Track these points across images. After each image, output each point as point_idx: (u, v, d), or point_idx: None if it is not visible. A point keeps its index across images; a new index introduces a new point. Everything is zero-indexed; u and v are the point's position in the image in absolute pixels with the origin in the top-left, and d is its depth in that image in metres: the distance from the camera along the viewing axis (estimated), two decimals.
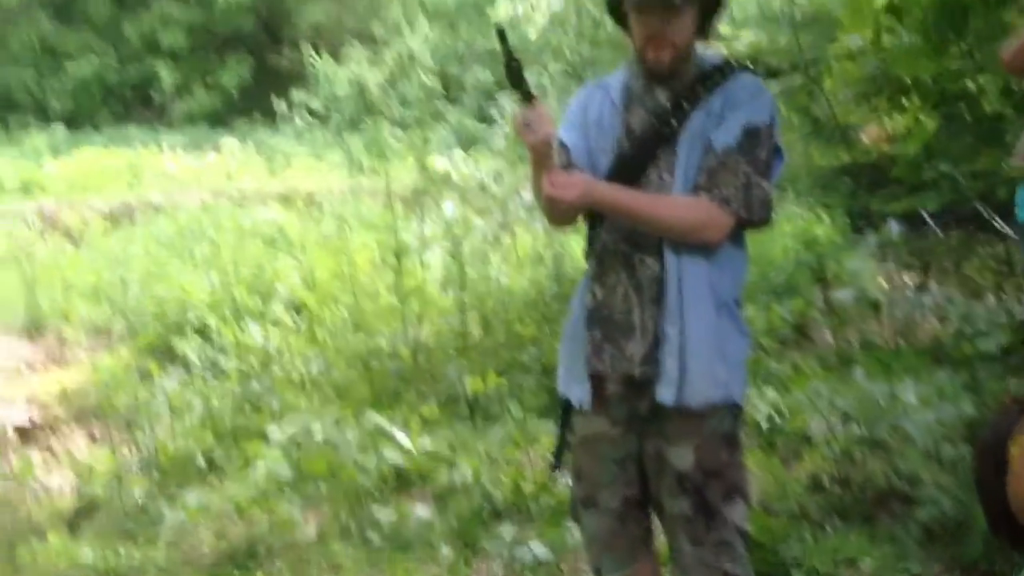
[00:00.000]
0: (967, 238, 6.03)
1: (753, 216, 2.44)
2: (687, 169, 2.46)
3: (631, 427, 2.53)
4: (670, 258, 2.45)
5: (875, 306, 5.86)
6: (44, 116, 22.93)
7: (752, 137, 2.42)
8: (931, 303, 5.88)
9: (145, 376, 5.91)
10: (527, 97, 2.39)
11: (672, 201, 2.46)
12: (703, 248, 2.44)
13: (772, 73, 7.03)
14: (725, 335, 2.46)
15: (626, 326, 2.50)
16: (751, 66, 2.63)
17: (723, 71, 2.50)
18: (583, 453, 2.63)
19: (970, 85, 5.74)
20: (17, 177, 15.25)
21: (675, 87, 2.51)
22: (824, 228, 8.13)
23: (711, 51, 2.62)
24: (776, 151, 2.49)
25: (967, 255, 5.93)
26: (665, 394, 2.43)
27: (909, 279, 6.54)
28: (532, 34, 10.55)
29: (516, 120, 2.40)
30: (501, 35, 2.44)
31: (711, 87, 2.48)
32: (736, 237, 2.49)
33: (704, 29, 2.53)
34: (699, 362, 2.42)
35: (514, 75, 2.41)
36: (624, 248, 2.51)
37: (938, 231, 6.84)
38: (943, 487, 3.55)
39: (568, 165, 2.53)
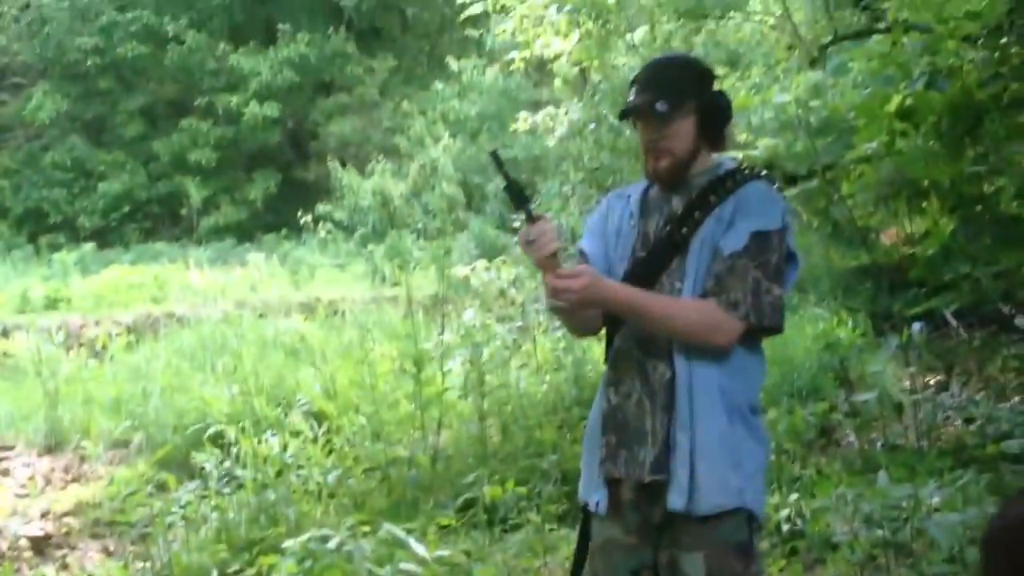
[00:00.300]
0: (990, 338, 5.97)
1: (763, 321, 2.42)
2: (696, 275, 2.47)
3: (645, 537, 2.50)
4: (680, 364, 2.45)
5: (898, 408, 5.78)
6: (74, 235, 23.33)
7: (761, 242, 2.42)
8: (954, 404, 5.80)
9: (161, 488, 5.86)
10: (529, 216, 2.43)
11: (682, 303, 2.46)
12: (715, 354, 2.43)
13: (790, 178, 7.08)
14: (738, 442, 2.43)
15: (639, 432, 2.49)
16: (766, 172, 2.64)
17: (735, 178, 2.51)
18: (599, 560, 2.60)
19: (987, 187, 5.74)
20: (44, 294, 15.43)
21: (688, 194, 2.54)
22: (846, 330, 8.07)
23: (728, 158, 2.63)
24: (790, 257, 2.48)
25: (990, 356, 5.86)
26: (676, 501, 2.41)
27: (932, 380, 6.45)
28: (551, 142, 10.68)
29: (520, 238, 2.45)
30: (496, 159, 2.52)
31: (723, 194, 2.49)
32: (749, 343, 2.48)
33: (711, 136, 2.55)
34: (709, 469, 2.40)
35: (514, 195, 2.49)
36: (637, 354, 2.52)
37: (961, 332, 6.78)
38: None
39: None
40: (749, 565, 2.44)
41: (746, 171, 2.55)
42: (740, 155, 6.53)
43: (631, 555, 2.52)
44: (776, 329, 2.46)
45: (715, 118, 2.54)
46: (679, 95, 2.49)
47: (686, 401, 2.43)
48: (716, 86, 2.58)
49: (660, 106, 2.47)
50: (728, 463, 2.41)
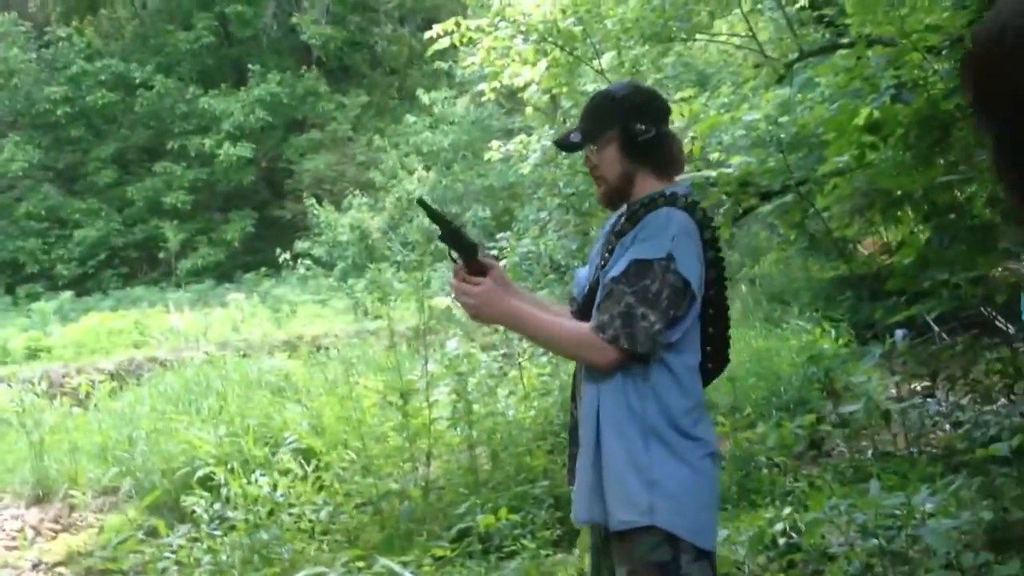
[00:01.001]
0: (973, 342, 6.01)
1: (636, 348, 2.45)
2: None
3: (605, 546, 2.62)
4: (590, 387, 2.57)
5: (886, 416, 5.81)
6: (52, 283, 23.21)
7: (640, 270, 2.46)
8: (941, 410, 5.84)
9: (152, 534, 5.83)
10: (469, 258, 2.58)
11: (565, 325, 2.59)
12: (625, 376, 2.50)
13: (764, 195, 7.13)
14: (653, 462, 2.47)
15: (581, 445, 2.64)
16: (690, 199, 2.62)
17: (649, 205, 2.59)
18: (590, 565, 2.76)
19: (959, 195, 5.80)
20: (24, 345, 15.33)
21: (619, 221, 2.67)
22: (829, 341, 8.13)
23: (677, 186, 2.66)
24: (681, 286, 2.47)
25: (974, 360, 5.89)
26: (574, 513, 2.62)
27: (918, 387, 6.50)
28: (526, 169, 10.73)
29: (454, 288, 2.59)
30: (423, 206, 2.60)
31: (635, 221, 2.58)
32: (657, 365, 2.50)
33: (645, 161, 2.62)
34: (613, 485, 2.49)
35: (454, 239, 2.59)
36: (579, 375, 2.69)
37: (944, 337, 6.82)
38: None
39: (571, 299, 2.76)
40: None
41: (661, 198, 2.58)
42: (714, 174, 6.57)
43: (605, 556, 2.64)
44: (646, 357, 2.47)
45: (639, 144, 2.60)
46: (593, 124, 2.63)
47: (592, 423, 2.54)
48: (677, 109, 2.65)
49: (573, 136, 2.67)
50: (637, 481, 2.46)
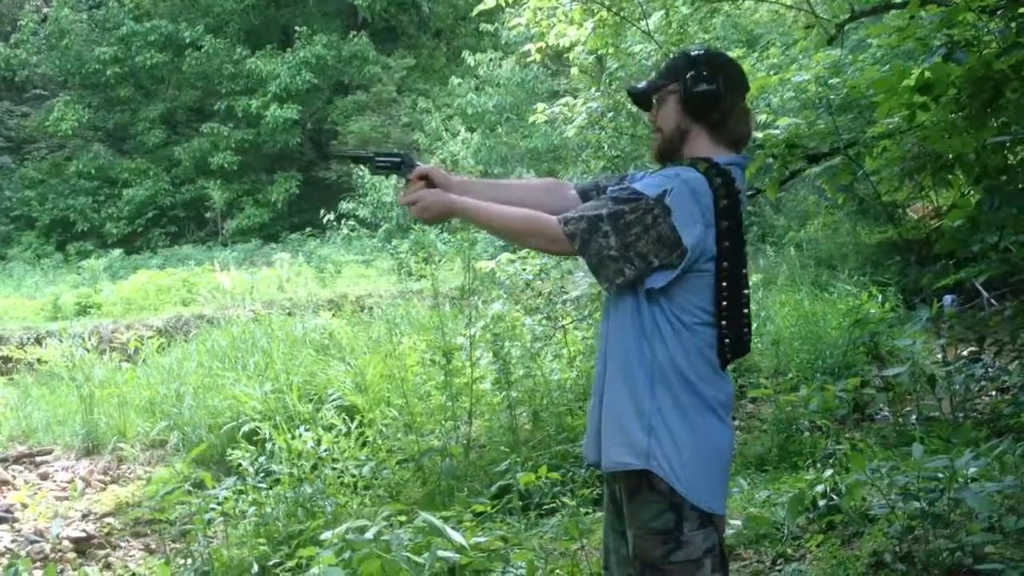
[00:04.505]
0: (1022, 307, 5.91)
1: (584, 255, 2.51)
2: None
3: (619, 504, 2.65)
4: (603, 332, 2.65)
5: (931, 381, 5.75)
6: (102, 242, 23.56)
7: (629, 196, 2.50)
8: (987, 375, 5.77)
9: (199, 486, 5.93)
10: (404, 174, 2.76)
11: (514, 211, 2.66)
12: (634, 320, 2.54)
13: (813, 157, 7.05)
14: (655, 407, 2.50)
15: None
16: (718, 168, 2.59)
17: (677, 162, 2.63)
18: (604, 521, 2.78)
19: (1011, 158, 5.69)
20: (75, 301, 15.57)
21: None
22: (876, 305, 8.05)
23: (730, 156, 2.64)
24: (669, 236, 2.46)
25: (1023, 324, 5.80)
26: (584, 450, 2.72)
27: (965, 352, 6.42)
28: (571, 132, 10.67)
29: (405, 204, 2.73)
30: (338, 156, 2.81)
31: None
32: (667, 315, 2.52)
33: (701, 120, 2.62)
34: (612, 425, 2.55)
35: (382, 166, 2.80)
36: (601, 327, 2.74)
37: (992, 302, 6.73)
38: (1009, 559, 3.43)
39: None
40: (674, 551, 2.49)
41: (699, 160, 2.59)
42: (761, 135, 6.50)
43: (616, 517, 2.69)
44: (593, 269, 2.53)
45: (695, 96, 2.60)
46: (662, 76, 2.68)
47: (600, 366, 2.63)
48: (727, 74, 2.62)
49: (640, 85, 2.74)
50: (637, 424, 2.51)
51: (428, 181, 2.76)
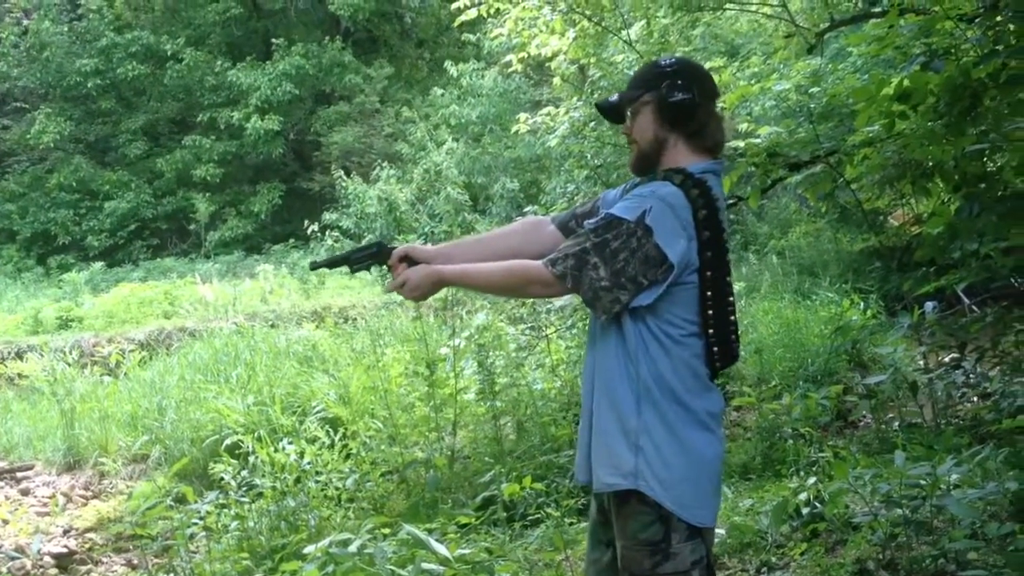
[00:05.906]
0: (1003, 314, 5.94)
1: (579, 290, 2.51)
2: None
3: (606, 514, 2.65)
4: (589, 350, 2.66)
5: (913, 388, 5.78)
6: (83, 255, 23.42)
7: (610, 224, 2.51)
8: (969, 381, 5.79)
9: (181, 501, 5.89)
10: (383, 262, 2.80)
11: (500, 266, 2.65)
12: (618, 339, 2.55)
13: (794, 165, 7.07)
14: (642, 426, 2.50)
15: None
16: (693, 178, 2.58)
17: (658, 176, 2.62)
18: (588, 534, 2.79)
19: (989, 165, 5.73)
20: (56, 315, 15.47)
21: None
22: (858, 312, 8.07)
23: (706, 162, 2.64)
24: (655, 255, 2.46)
25: (1004, 331, 5.82)
26: (575, 469, 2.73)
27: (946, 358, 6.45)
28: (553, 141, 10.69)
29: (398, 290, 2.70)
30: (317, 268, 2.98)
31: (640, 185, 2.65)
32: (653, 332, 2.52)
33: (678, 130, 2.62)
34: (600, 447, 2.57)
35: (360, 261, 2.84)
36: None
37: (974, 309, 6.75)
38: (991, 566, 3.44)
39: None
40: (662, 562, 2.50)
41: (672, 172, 2.59)
42: (742, 144, 6.52)
43: (602, 528, 2.69)
44: (590, 304, 2.54)
45: (671, 107, 2.60)
46: (633, 88, 2.67)
47: (588, 385, 2.64)
48: (701, 83, 2.62)
49: (612, 98, 2.73)
50: (624, 444, 2.52)
51: (409, 260, 2.76)
